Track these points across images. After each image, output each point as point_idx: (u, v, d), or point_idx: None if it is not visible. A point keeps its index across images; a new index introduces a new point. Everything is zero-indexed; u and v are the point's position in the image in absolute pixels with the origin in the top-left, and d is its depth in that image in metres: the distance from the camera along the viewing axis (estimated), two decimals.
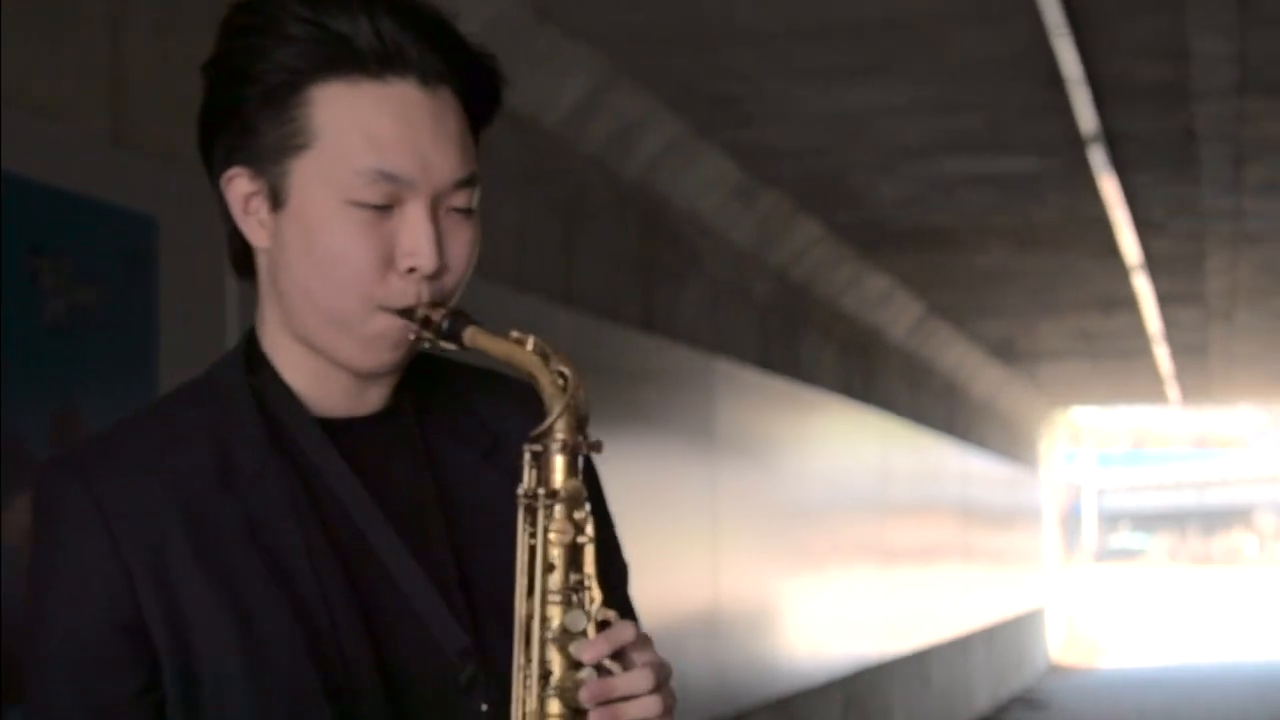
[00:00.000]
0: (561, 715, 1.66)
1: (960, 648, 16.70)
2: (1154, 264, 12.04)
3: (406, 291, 1.73)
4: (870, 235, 11.13)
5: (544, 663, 1.67)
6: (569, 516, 1.70)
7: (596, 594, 1.69)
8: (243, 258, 1.83)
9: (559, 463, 1.70)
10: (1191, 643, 29.24)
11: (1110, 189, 9.58)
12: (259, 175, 1.75)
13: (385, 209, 1.72)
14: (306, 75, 1.71)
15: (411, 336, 1.75)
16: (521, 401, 1.82)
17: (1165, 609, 38.99)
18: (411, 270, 1.73)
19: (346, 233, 1.71)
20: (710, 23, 6.84)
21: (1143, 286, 13.09)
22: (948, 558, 16.64)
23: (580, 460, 1.71)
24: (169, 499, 1.73)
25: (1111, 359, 18.17)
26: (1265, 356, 18.12)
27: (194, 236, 4.17)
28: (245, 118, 1.74)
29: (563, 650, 1.67)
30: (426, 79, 1.73)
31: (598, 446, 1.72)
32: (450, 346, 1.74)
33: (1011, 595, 19.74)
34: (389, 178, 1.71)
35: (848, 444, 12.43)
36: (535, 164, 7.03)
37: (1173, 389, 20.62)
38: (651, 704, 1.64)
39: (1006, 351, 17.51)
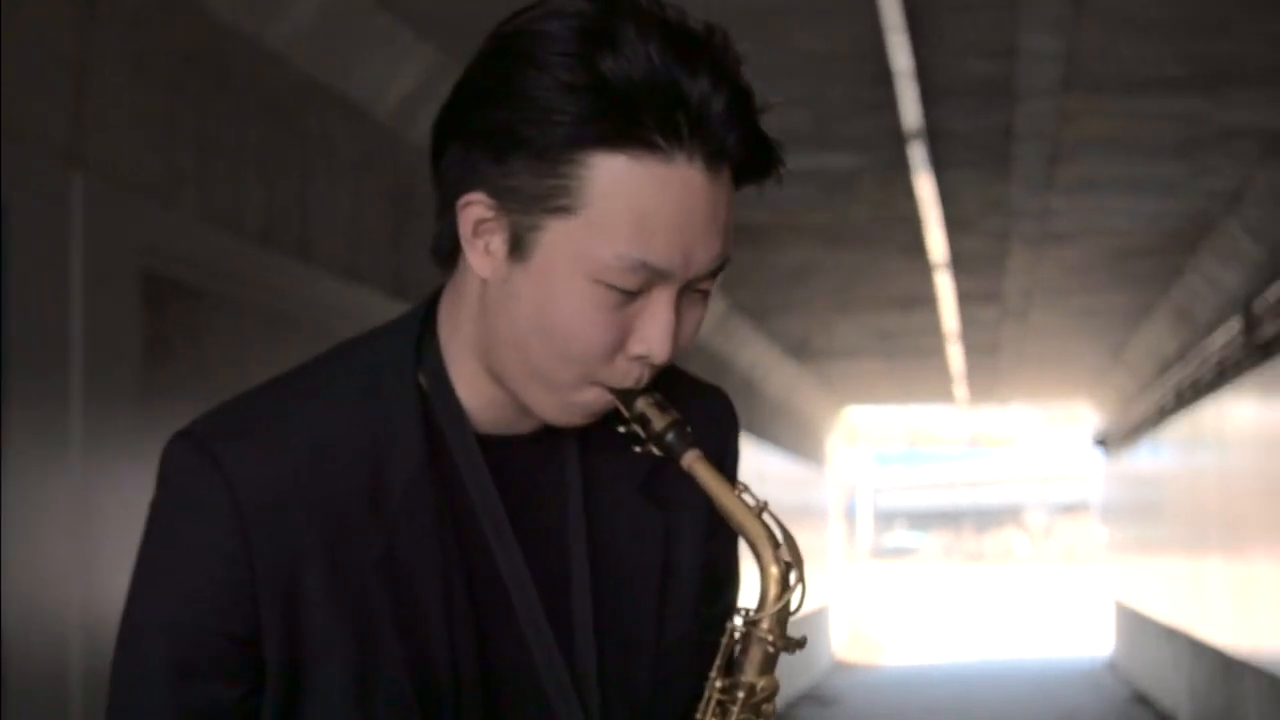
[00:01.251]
0: None
1: None
2: (958, 262, 12.18)
3: (629, 374, 1.65)
4: None
5: None
6: (757, 712, 1.66)
7: None
8: (448, 249, 1.70)
9: (757, 655, 1.65)
10: (967, 640, 29.68)
11: (926, 186, 9.67)
12: (504, 214, 1.62)
13: (631, 294, 1.61)
14: (589, 139, 1.57)
15: (620, 429, 1.67)
16: (705, 417, 1.76)
17: (939, 606, 39.53)
18: (640, 357, 1.64)
19: (587, 313, 1.61)
20: None
21: (944, 285, 13.24)
22: (742, 556, 16.69)
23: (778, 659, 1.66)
24: (313, 520, 1.65)
25: (905, 357, 18.36)
26: (1053, 356, 18.44)
27: (39, 218, 4.09)
28: (507, 152, 1.60)
29: None
30: (713, 161, 1.60)
31: (802, 644, 1.66)
32: (653, 453, 1.67)
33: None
34: (647, 268, 1.60)
35: None
36: (367, 153, 6.93)
37: (961, 388, 20.89)
38: None
39: (802, 350, 17.62)
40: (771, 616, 1.63)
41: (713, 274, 1.65)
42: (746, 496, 1.64)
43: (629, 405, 1.65)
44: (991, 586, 45.87)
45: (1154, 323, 15.15)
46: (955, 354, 17.68)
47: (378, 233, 7.14)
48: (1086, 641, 26.13)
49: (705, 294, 1.66)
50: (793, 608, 1.63)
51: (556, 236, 1.59)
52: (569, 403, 1.66)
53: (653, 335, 1.62)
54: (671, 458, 1.64)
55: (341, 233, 6.66)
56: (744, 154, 1.62)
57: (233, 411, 1.70)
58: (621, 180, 1.57)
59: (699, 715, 1.66)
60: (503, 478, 1.70)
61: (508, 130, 1.59)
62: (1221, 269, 11.75)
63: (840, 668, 23.59)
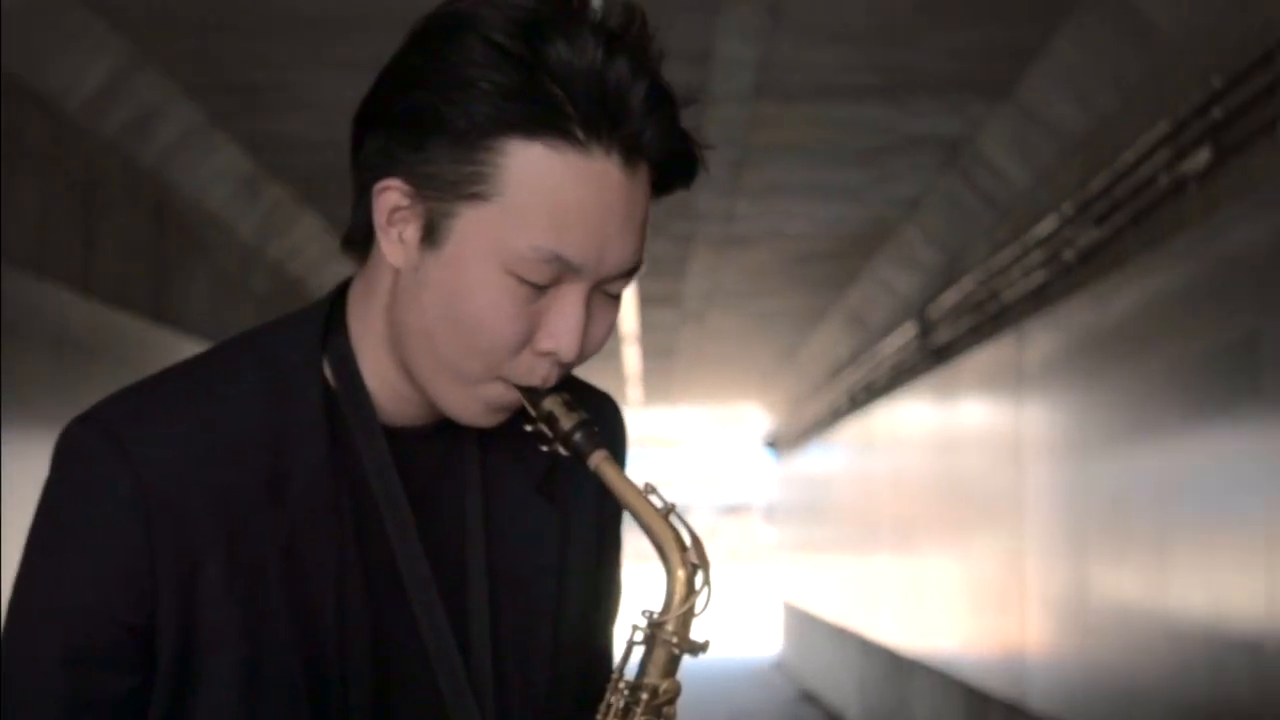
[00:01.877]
0: None
1: None
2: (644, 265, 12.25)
3: (535, 370, 1.64)
4: None
5: None
6: (658, 714, 1.65)
7: None
8: (361, 239, 1.69)
9: (660, 657, 1.64)
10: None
11: None
12: (419, 201, 1.61)
13: (542, 288, 1.60)
14: (505, 126, 1.57)
15: (527, 428, 1.66)
16: (598, 421, 1.73)
17: None
18: (548, 353, 1.63)
19: (497, 304, 1.60)
20: (249, 9, 6.68)
21: (628, 287, 13.31)
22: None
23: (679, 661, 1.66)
24: (214, 510, 1.61)
25: None
26: (728, 359, 18.69)
27: None
28: (423, 138, 1.59)
29: None
30: (630, 155, 1.60)
31: (705, 648, 1.65)
32: (560, 453, 1.66)
33: None
34: (561, 261, 1.59)
35: None
36: (57, 147, 6.78)
37: (636, 390, 21.09)
38: None
39: None
40: (677, 618, 1.62)
41: (626, 274, 1.65)
42: (654, 498, 1.63)
43: (535, 404, 1.64)
44: (657, 585, 46.29)
45: (828, 326, 15.45)
46: (632, 355, 17.82)
47: (66, 228, 6.97)
48: (753, 641, 26.50)
49: (616, 298, 1.67)
50: (698, 610, 1.63)
51: (471, 224, 1.59)
52: (475, 397, 1.65)
53: (561, 331, 1.61)
54: (579, 457, 1.63)
55: (31, 227, 6.49)
56: (663, 151, 1.62)
57: (136, 398, 1.66)
58: (538, 169, 1.57)
59: (599, 718, 1.66)
60: (406, 470, 1.69)
61: (429, 111, 1.58)
62: (898, 274, 12.02)
63: None
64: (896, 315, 12.34)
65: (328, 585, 1.63)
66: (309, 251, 10.84)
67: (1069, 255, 7.58)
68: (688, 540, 1.62)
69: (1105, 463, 6.90)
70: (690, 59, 7.33)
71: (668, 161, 1.63)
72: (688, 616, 1.62)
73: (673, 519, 1.62)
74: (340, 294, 1.74)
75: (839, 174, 9.61)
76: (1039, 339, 8.10)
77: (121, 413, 1.64)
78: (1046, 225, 7.94)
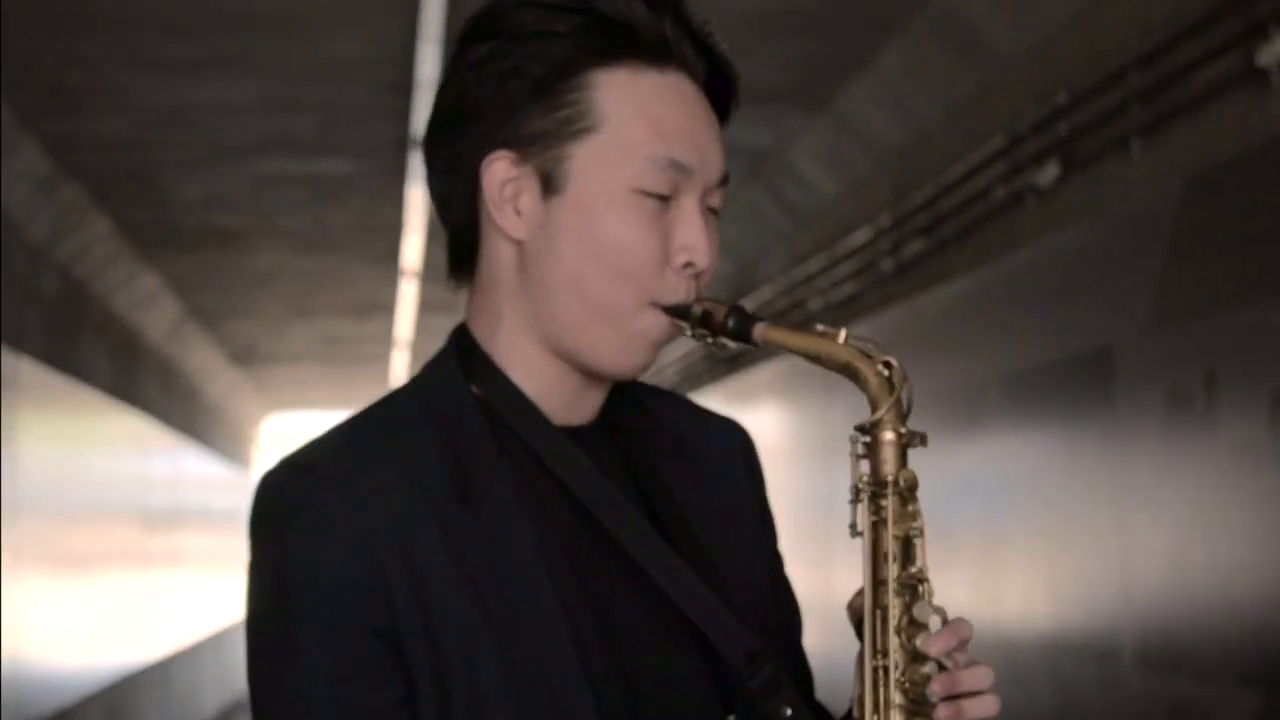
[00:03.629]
0: (903, 708, 1.63)
1: (195, 654, 16.59)
2: (428, 271, 12.21)
3: (680, 288, 1.68)
4: (157, 234, 10.89)
5: (889, 653, 1.64)
6: (904, 508, 1.65)
7: (931, 586, 1.66)
8: (467, 258, 1.74)
9: (890, 454, 1.66)
10: None
11: (417, 195, 9.67)
12: (525, 160, 1.67)
13: (665, 200, 1.67)
14: (584, 60, 1.66)
15: (688, 333, 1.68)
16: (717, 432, 1.82)
17: None
18: (687, 265, 1.68)
19: (633, 222, 1.66)
20: (65, 8, 6.53)
21: (408, 293, 13.29)
22: (186, 564, 16.53)
23: (907, 453, 1.66)
24: (417, 504, 1.62)
25: (346, 364, 18.35)
26: None
27: None
28: (509, 104, 1.66)
29: (908, 642, 1.64)
30: (695, 75, 1.70)
31: (924, 439, 1.67)
32: (736, 345, 1.67)
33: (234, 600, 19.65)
34: (677, 167, 1.67)
35: (112, 448, 12.22)
36: None
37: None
38: (992, 703, 1.61)
39: (246, 355, 17.43)
40: (891, 412, 1.65)
41: (722, 183, 1.72)
42: (821, 329, 1.67)
43: (686, 315, 1.68)
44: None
45: None
46: (400, 361, 17.74)
47: None
48: None
49: (716, 214, 1.73)
50: (904, 399, 1.66)
51: (586, 159, 1.66)
52: (632, 334, 1.68)
53: (691, 238, 1.67)
54: (745, 338, 1.67)
55: None
56: (715, 75, 1.72)
57: (311, 444, 1.69)
58: (628, 91, 1.67)
59: (863, 519, 1.67)
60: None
61: (511, 76, 1.65)
62: None
63: None
64: None
65: (539, 575, 1.62)
66: (97, 252, 10.64)
67: (887, 266, 7.70)
68: (870, 349, 1.66)
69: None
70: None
71: (716, 85, 1.73)
72: (898, 409, 1.65)
73: (846, 336, 1.65)
74: (457, 335, 1.76)
75: None
76: None
77: (299, 453, 1.67)
78: (860, 236, 8.04)
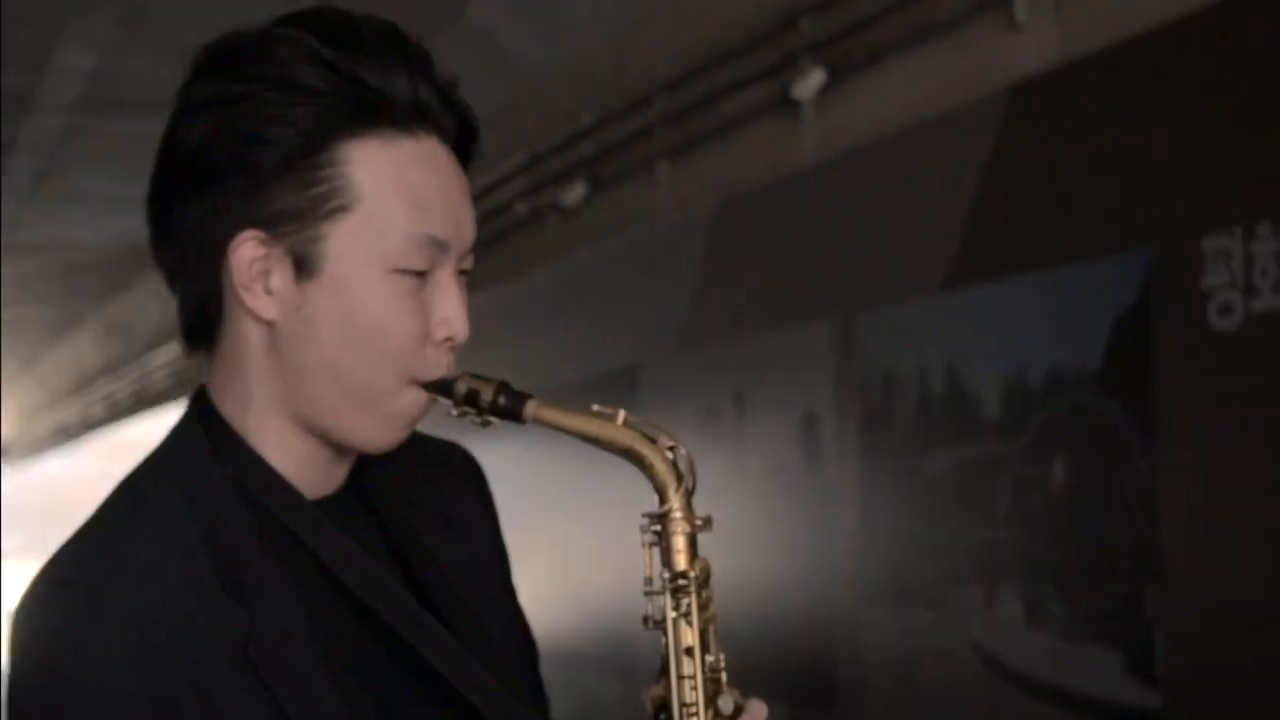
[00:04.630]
0: None
1: None
2: None
3: (440, 362, 1.63)
4: None
5: None
6: (699, 597, 1.64)
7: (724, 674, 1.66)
8: (201, 329, 1.64)
9: (681, 544, 1.64)
10: None
11: None
12: (275, 240, 1.57)
13: (422, 276, 1.61)
14: (335, 130, 1.56)
15: (452, 412, 1.63)
16: (450, 468, 1.80)
17: None
18: (447, 339, 1.63)
19: (394, 304, 1.59)
20: None
21: None
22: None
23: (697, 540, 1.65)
24: (193, 606, 1.52)
25: None
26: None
27: None
28: (256, 176, 1.55)
29: None
30: (446, 137, 1.64)
31: (709, 525, 1.65)
32: (494, 421, 1.63)
33: None
34: (435, 243, 1.60)
35: None
36: None
37: None
38: None
39: None
40: (680, 499, 1.63)
41: (473, 247, 1.66)
42: (596, 409, 1.64)
43: (449, 391, 1.63)
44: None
45: (83, 336, 15.08)
46: None
47: None
48: None
49: (469, 275, 1.67)
50: (690, 486, 1.64)
51: (342, 239, 1.58)
52: (390, 414, 1.63)
53: (450, 312, 1.62)
54: (514, 418, 1.62)
55: None
56: (460, 132, 1.66)
57: (78, 545, 1.58)
58: (383, 163, 1.58)
59: (665, 614, 1.66)
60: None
61: (253, 138, 1.55)
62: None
63: None
64: (171, 327, 12.15)
65: (317, 665, 1.56)
66: None
67: None
68: (653, 432, 1.64)
69: None
70: (23, 69, 7.07)
71: (461, 140, 1.67)
72: (687, 497, 1.64)
73: (628, 418, 1.63)
74: (197, 402, 1.68)
75: (141, 188, 9.39)
76: None
77: (70, 560, 1.56)
78: None
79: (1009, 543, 3.94)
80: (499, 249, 6.69)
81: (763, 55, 4.97)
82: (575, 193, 6.05)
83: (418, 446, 1.74)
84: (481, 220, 5.58)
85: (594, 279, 5.95)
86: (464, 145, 1.68)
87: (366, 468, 1.72)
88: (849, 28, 4.57)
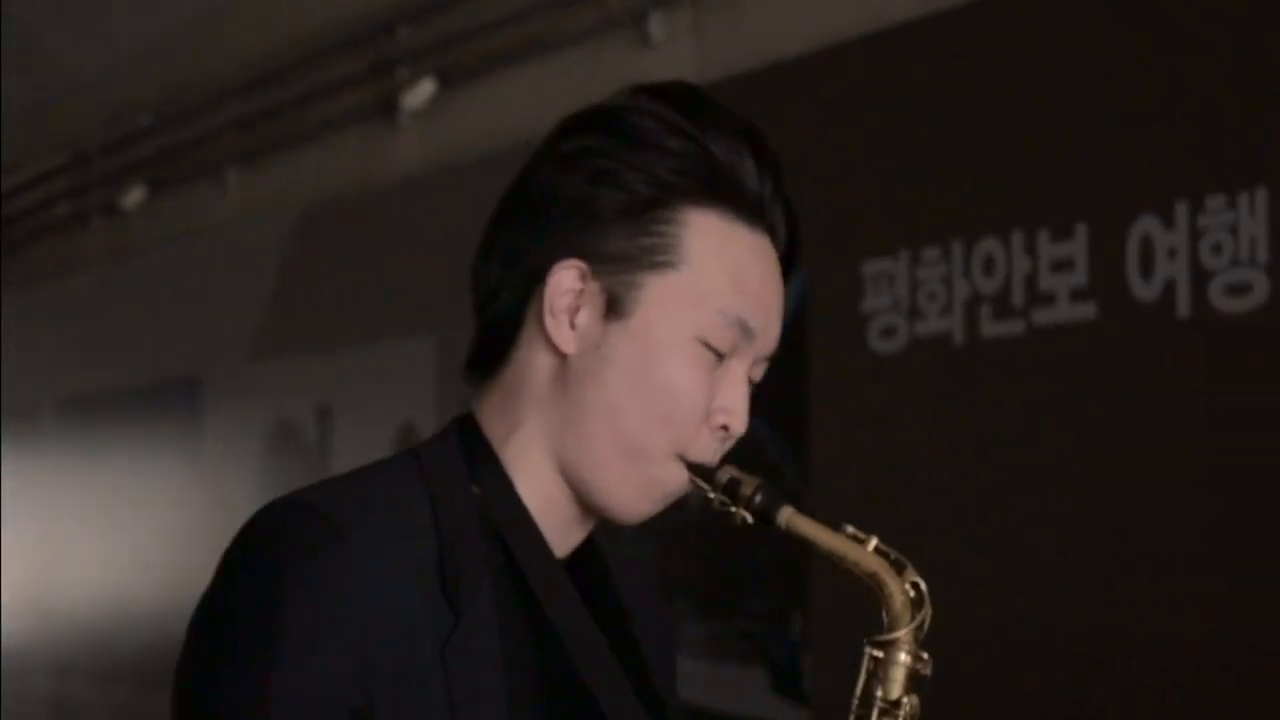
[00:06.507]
0: None
1: None
2: None
3: (709, 448, 1.62)
4: None
5: None
6: None
7: None
8: (489, 354, 1.65)
9: (899, 675, 1.62)
10: None
11: None
12: (596, 276, 1.59)
13: (721, 357, 1.60)
14: (682, 192, 1.59)
15: (710, 495, 1.62)
16: (632, 570, 1.78)
17: None
18: (723, 427, 1.61)
19: (687, 370, 1.59)
20: None
21: None
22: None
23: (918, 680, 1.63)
24: (416, 587, 1.52)
25: None
26: None
27: None
28: (595, 213, 1.58)
29: None
30: (778, 242, 1.64)
31: (928, 666, 1.62)
32: (746, 521, 1.61)
33: None
34: (743, 327, 1.60)
35: None
36: None
37: None
38: None
39: None
40: (909, 635, 1.63)
41: (770, 361, 1.66)
42: (849, 530, 1.63)
43: (710, 479, 1.62)
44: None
45: None
46: None
47: None
48: None
49: (753, 386, 1.66)
50: (923, 621, 1.63)
51: (658, 293, 1.59)
52: (650, 480, 1.62)
53: (734, 402, 1.62)
54: (767, 520, 1.61)
55: None
56: (790, 246, 1.67)
57: (332, 493, 1.58)
58: (718, 236, 1.60)
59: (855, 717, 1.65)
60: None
61: (605, 178, 1.59)
62: None
63: None
64: None
65: (500, 692, 1.55)
66: None
67: None
68: (901, 561, 1.63)
69: None
70: None
71: (787, 257, 1.68)
72: (917, 633, 1.63)
73: (877, 544, 1.63)
74: (463, 421, 1.67)
75: None
76: None
77: (337, 505, 1.55)
78: None
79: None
80: (34, 249, 6.39)
81: (354, 62, 4.88)
82: (133, 196, 5.82)
83: (630, 570, 1.77)
84: (13, 219, 5.31)
85: (151, 285, 5.74)
86: (789, 257, 1.68)
87: (587, 556, 1.71)
88: (458, 36, 4.51)
